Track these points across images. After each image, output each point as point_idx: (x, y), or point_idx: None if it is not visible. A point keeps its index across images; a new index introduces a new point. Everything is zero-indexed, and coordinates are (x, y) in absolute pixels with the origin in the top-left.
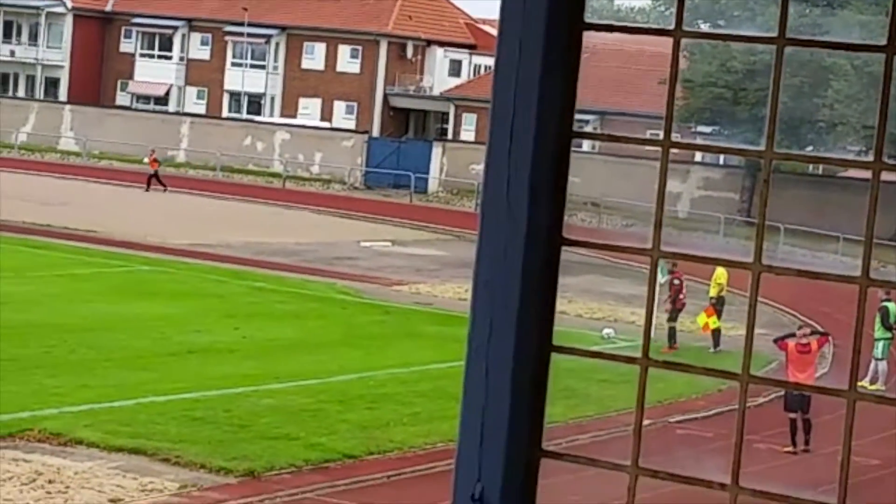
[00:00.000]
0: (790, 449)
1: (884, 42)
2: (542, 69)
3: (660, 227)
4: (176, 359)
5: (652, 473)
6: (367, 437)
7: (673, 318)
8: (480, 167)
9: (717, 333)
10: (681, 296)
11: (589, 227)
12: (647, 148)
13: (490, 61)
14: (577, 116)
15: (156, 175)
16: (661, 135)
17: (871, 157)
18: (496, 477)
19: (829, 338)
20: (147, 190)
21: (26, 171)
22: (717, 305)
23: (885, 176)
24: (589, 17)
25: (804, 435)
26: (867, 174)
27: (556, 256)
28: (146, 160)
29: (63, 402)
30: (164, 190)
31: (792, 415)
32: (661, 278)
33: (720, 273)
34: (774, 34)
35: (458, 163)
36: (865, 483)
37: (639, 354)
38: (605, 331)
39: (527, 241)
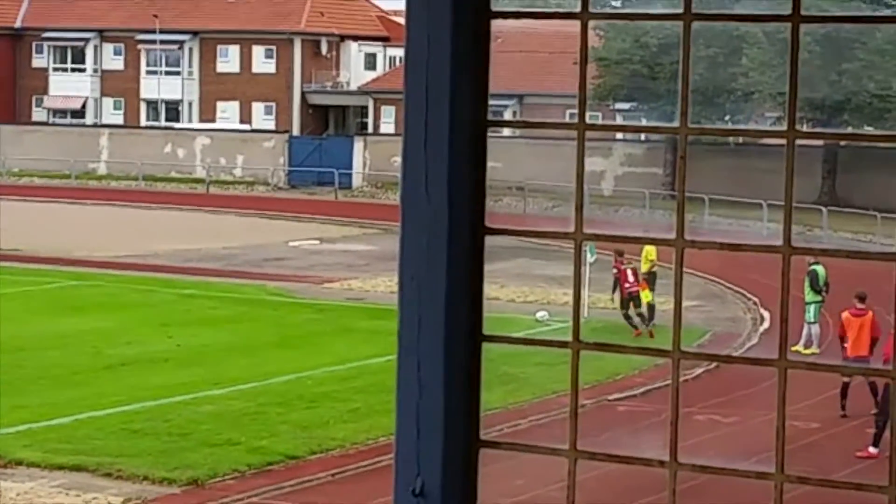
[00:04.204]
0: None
1: (789, 11)
2: (451, 61)
3: (581, 209)
4: (111, 372)
5: (590, 456)
6: (308, 436)
7: (623, 306)
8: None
9: (651, 308)
10: (626, 284)
11: (514, 213)
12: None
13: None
14: (495, 102)
15: None
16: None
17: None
18: (435, 470)
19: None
20: None
21: None
22: (650, 281)
23: (807, 140)
24: (496, 3)
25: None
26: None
27: (479, 246)
28: None
29: None
30: None
31: (846, 379)
32: (591, 257)
33: (650, 249)
34: (682, 10)
35: (380, 156)
36: (804, 448)
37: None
38: (539, 314)
39: (449, 233)
